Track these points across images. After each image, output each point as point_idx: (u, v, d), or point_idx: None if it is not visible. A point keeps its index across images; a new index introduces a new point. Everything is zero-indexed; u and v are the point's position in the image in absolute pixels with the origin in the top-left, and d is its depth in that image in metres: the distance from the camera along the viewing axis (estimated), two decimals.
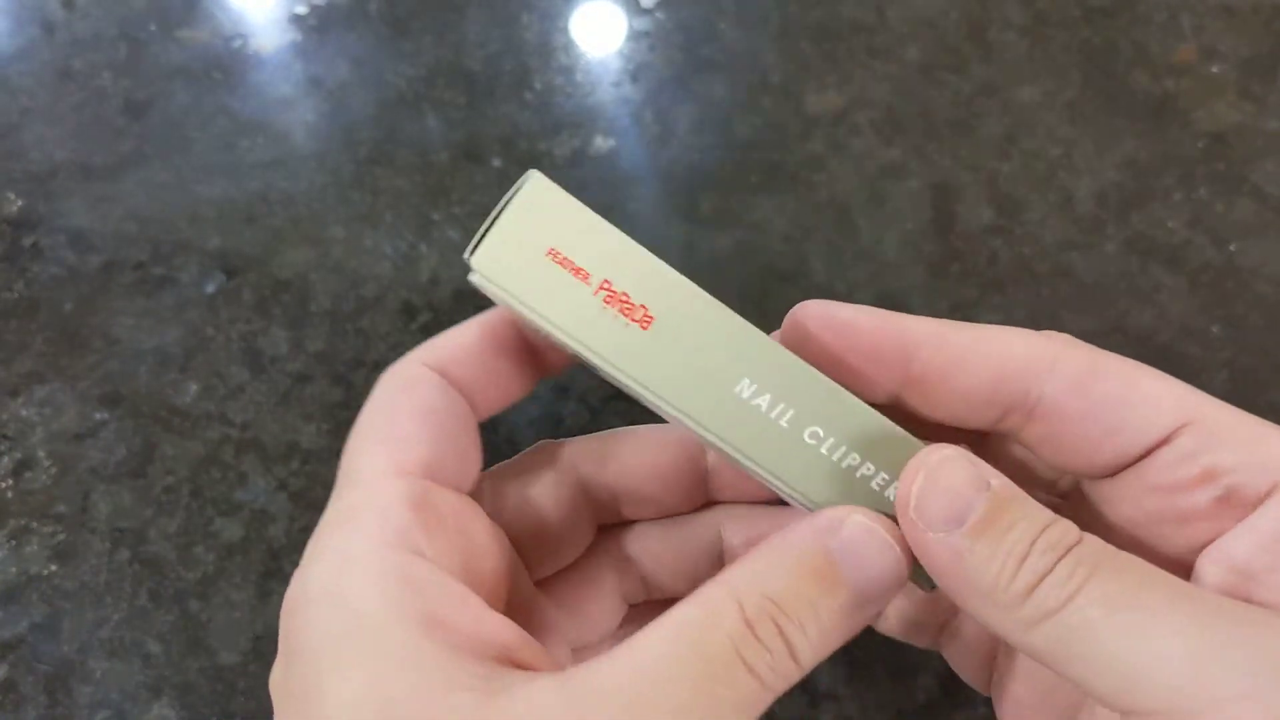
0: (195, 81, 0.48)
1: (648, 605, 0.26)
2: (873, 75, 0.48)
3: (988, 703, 0.24)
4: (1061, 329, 0.20)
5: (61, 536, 0.39)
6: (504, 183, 0.46)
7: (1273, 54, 0.48)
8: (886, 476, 0.20)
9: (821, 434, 0.20)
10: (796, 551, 0.18)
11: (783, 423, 0.20)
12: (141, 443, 0.40)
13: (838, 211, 0.45)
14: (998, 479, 0.18)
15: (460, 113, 0.48)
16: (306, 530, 0.38)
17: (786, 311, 0.22)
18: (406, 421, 0.21)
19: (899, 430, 0.20)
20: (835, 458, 0.20)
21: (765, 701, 0.18)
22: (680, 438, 0.24)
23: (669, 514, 0.25)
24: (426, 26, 0.50)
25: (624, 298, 0.20)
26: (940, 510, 0.17)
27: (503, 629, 0.18)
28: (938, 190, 0.45)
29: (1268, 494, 0.17)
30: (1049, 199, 0.45)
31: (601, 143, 0.47)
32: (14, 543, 0.38)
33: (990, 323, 0.20)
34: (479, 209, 0.45)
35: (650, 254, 0.20)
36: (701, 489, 0.25)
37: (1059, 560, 0.16)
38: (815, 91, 0.48)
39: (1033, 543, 0.17)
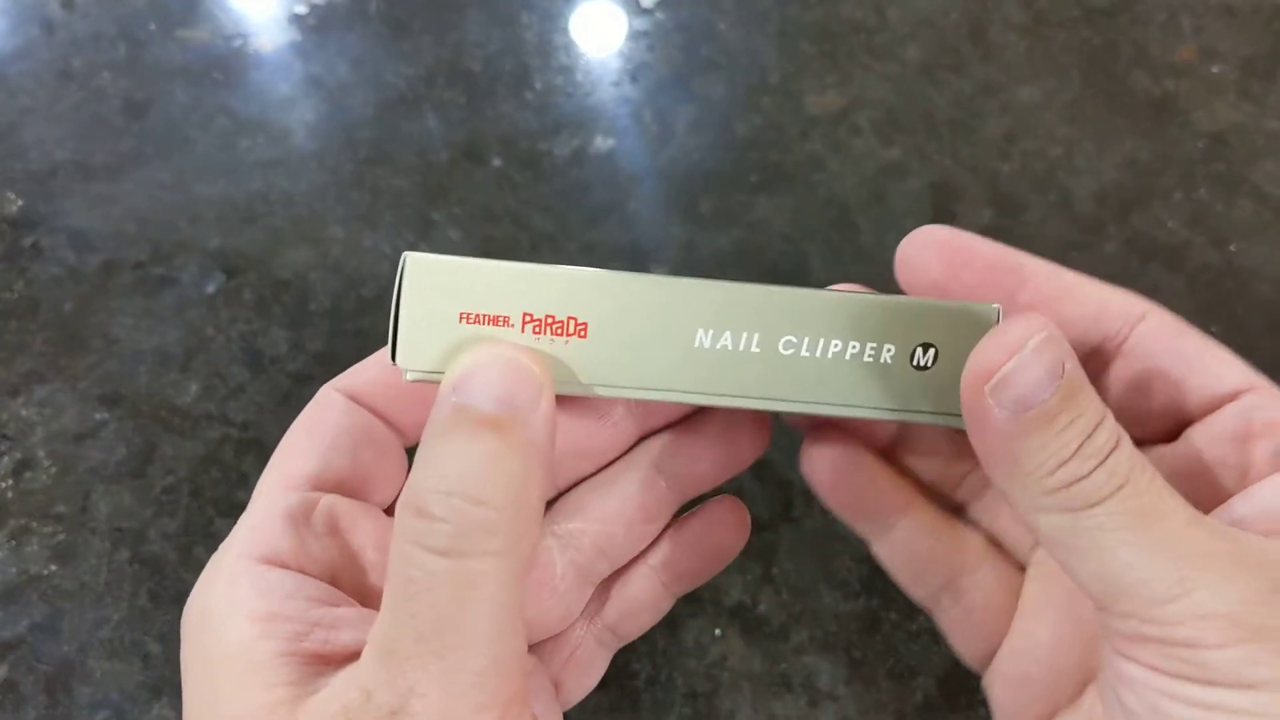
0: (195, 81, 0.48)
1: (615, 577, 0.25)
2: (873, 75, 0.48)
3: (986, 704, 0.24)
4: None
5: (61, 536, 0.39)
6: (504, 183, 0.46)
7: (1273, 54, 0.48)
8: (875, 345, 0.20)
9: (795, 339, 0.20)
10: (428, 429, 0.18)
11: (754, 349, 0.20)
12: (141, 443, 0.40)
13: (838, 211, 0.45)
14: (1071, 361, 0.17)
15: (460, 113, 0.48)
16: None
17: None
18: (301, 439, 0.22)
19: (863, 297, 0.20)
20: (819, 354, 0.20)
21: (505, 568, 0.17)
22: None
23: (602, 463, 0.25)
24: (426, 26, 0.50)
25: (550, 320, 0.19)
26: (1016, 394, 0.17)
27: (357, 624, 0.19)
28: (938, 190, 0.45)
29: None
30: (1049, 199, 0.45)
31: (601, 143, 0.47)
32: (14, 543, 0.38)
33: None
34: (479, 209, 0.45)
35: (549, 266, 0.20)
36: (629, 419, 0.24)
37: (1096, 468, 0.17)
38: (815, 91, 0.48)
39: (1080, 445, 0.17)
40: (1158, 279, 0.43)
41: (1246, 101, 0.47)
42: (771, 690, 0.36)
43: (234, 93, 0.48)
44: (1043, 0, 0.50)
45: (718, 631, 0.37)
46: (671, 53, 0.49)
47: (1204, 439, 0.21)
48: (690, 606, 0.38)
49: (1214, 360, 0.21)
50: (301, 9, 0.51)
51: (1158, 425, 0.21)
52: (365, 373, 0.23)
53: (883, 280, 0.45)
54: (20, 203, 0.45)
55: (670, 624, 0.38)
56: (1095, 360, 0.21)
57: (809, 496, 0.39)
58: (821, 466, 0.24)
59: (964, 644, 0.25)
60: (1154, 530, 0.17)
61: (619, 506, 0.24)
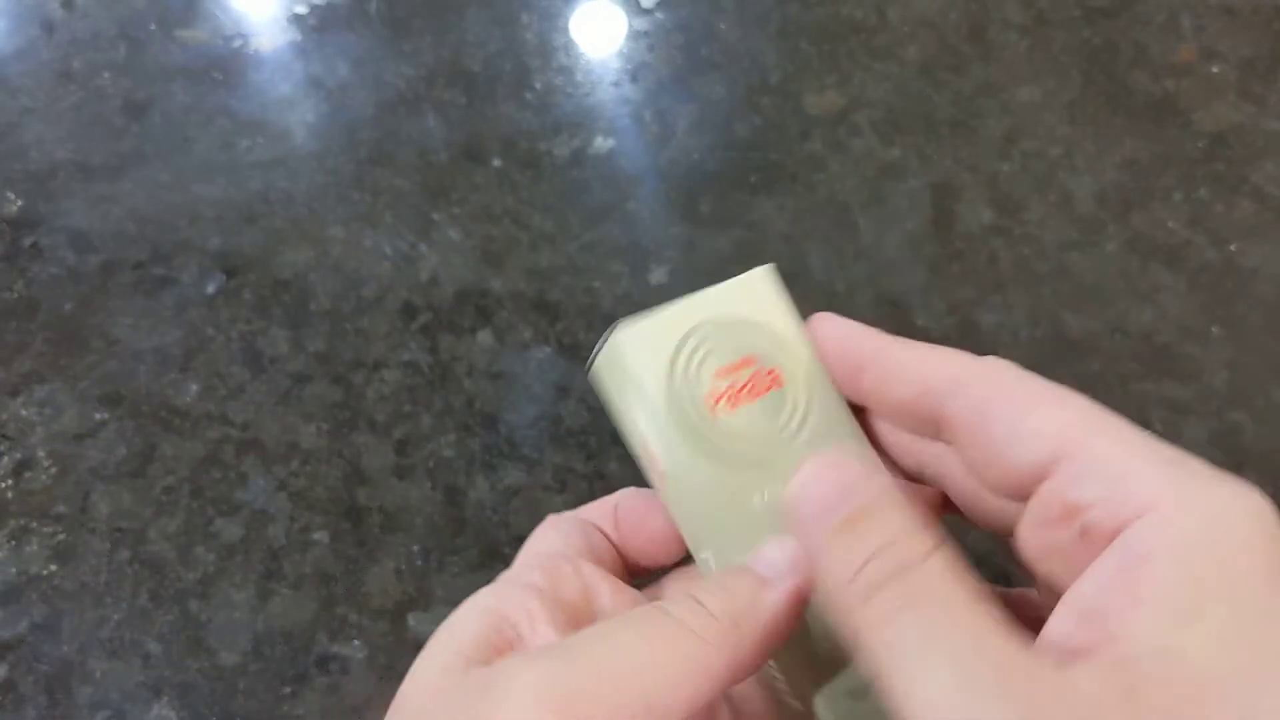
0: (195, 81, 0.48)
1: None
2: (873, 75, 0.48)
3: None
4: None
5: (61, 536, 0.39)
6: (504, 183, 0.46)
7: (1273, 54, 0.48)
8: None
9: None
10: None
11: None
12: (141, 443, 0.40)
13: (838, 211, 0.45)
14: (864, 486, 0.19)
15: (460, 113, 0.48)
16: (306, 530, 0.39)
17: None
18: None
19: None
20: None
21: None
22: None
23: None
24: (426, 26, 0.50)
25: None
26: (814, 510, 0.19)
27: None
28: (938, 190, 0.45)
29: (1119, 531, 0.16)
30: (1049, 199, 0.45)
31: (601, 143, 0.47)
32: (14, 543, 0.38)
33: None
34: (479, 209, 0.45)
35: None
36: None
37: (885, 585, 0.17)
38: (815, 91, 0.48)
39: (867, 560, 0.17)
40: (1158, 279, 0.43)
41: (1246, 101, 0.47)
42: None
43: (234, 93, 0.48)
44: (1043, 0, 0.50)
45: None
46: (671, 53, 0.49)
47: (1029, 525, 0.19)
48: None
49: (1024, 435, 0.18)
50: (301, 9, 0.51)
51: (1014, 495, 0.19)
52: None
53: (880, 279, 0.45)
54: (20, 203, 0.45)
55: None
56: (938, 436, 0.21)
57: None
58: None
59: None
60: (927, 658, 0.16)
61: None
